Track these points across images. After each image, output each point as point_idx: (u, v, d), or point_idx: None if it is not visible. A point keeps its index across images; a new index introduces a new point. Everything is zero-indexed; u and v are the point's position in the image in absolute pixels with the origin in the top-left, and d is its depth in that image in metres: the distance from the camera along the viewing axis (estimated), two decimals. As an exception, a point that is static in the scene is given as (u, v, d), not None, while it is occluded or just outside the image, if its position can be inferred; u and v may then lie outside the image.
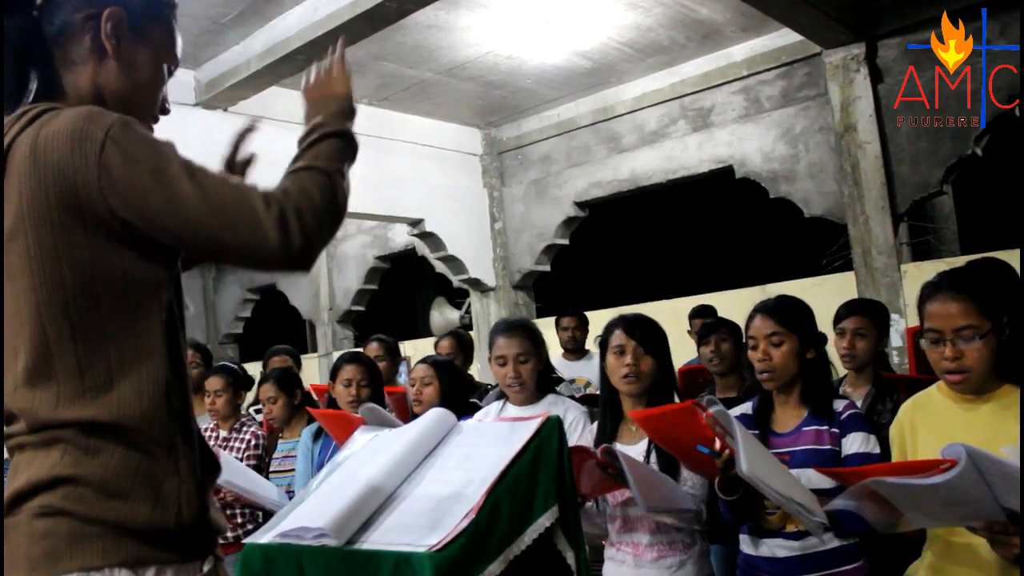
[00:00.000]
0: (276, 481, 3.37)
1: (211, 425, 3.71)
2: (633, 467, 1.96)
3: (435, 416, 1.87)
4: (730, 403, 2.20)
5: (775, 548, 2.05)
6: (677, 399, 2.34)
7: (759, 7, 4.87)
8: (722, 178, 6.38)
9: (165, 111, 1.37)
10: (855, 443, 2.01)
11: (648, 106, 6.61)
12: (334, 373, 3.30)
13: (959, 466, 1.37)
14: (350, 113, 1.36)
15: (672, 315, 4.61)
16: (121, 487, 1.10)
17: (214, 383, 3.67)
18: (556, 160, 7.30)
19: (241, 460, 3.47)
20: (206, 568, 1.18)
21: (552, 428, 1.67)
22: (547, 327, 3.69)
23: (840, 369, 2.84)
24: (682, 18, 5.48)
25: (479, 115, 7.29)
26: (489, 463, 1.61)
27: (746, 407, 2.25)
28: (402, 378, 5.22)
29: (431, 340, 7.88)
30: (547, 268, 7.56)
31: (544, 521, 1.57)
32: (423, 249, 7.65)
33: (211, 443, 3.59)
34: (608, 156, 6.93)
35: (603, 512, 2.31)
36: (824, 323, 2.34)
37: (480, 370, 6.52)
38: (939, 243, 5.68)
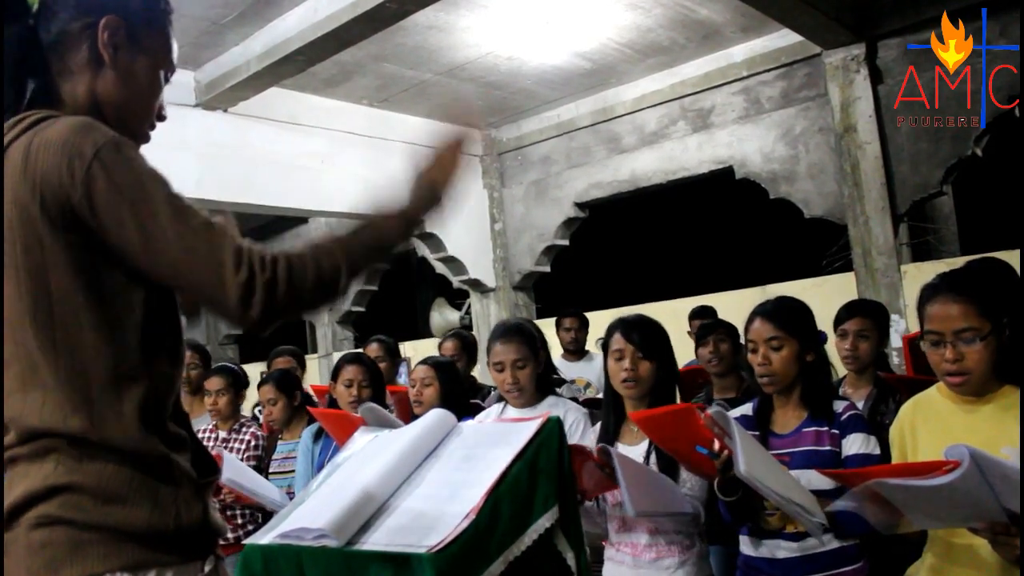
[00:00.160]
0: (275, 482, 3.36)
1: (210, 426, 3.70)
2: (627, 468, 1.96)
3: (435, 417, 1.87)
4: (728, 404, 2.20)
5: (775, 549, 2.05)
6: (679, 400, 2.35)
7: (759, 8, 4.87)
8: (722, 179, 6.38)
9: (162, 118, 1.35)
10: (855, 444, 2.01)
11: (648, 107, 6.61)
12: (335, 374, 3.30)
13: (962, 467, 1.37)
14: (430, 210, 1.34)
15: (672, 316, 4.61)
16: (118, 492, 1.10)
17: (215, 383, 3.66)
18: (556, 161, 7.30)
19: (241, 461, 3.46)
20: (207, 568, 1.18)
21: (552, 429, 1.67)
22: (547, 328, 3.69)
23: (840, 369, 2.83)
24: (682, 19, 5.48)
25: (479, 116, 7.29)
26: (489, 464, 1.61)
27: (746, 408, 2.25)
28: (402, 379, 5.22)
29: (431, 341, 7.89)
30: (547, 269, 7.56)
31: (544, 522, 1.56)
32: (423, 250, 7.65)
33: (210, 444, 3.59)
34: (608, 157, 6.93)
35: (603, 512, 2.31)
36: (824, 324, 2.34)
37: (482, 371, 6.52)
38: (939, 244, 5.68)
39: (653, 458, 2.22)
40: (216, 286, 1.10)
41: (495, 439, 1.70)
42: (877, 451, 2.00)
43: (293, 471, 3.41)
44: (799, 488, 1.89)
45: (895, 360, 4.83)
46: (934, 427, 1.79)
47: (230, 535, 3.36)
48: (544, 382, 2.65)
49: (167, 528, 1.12)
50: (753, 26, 5.64)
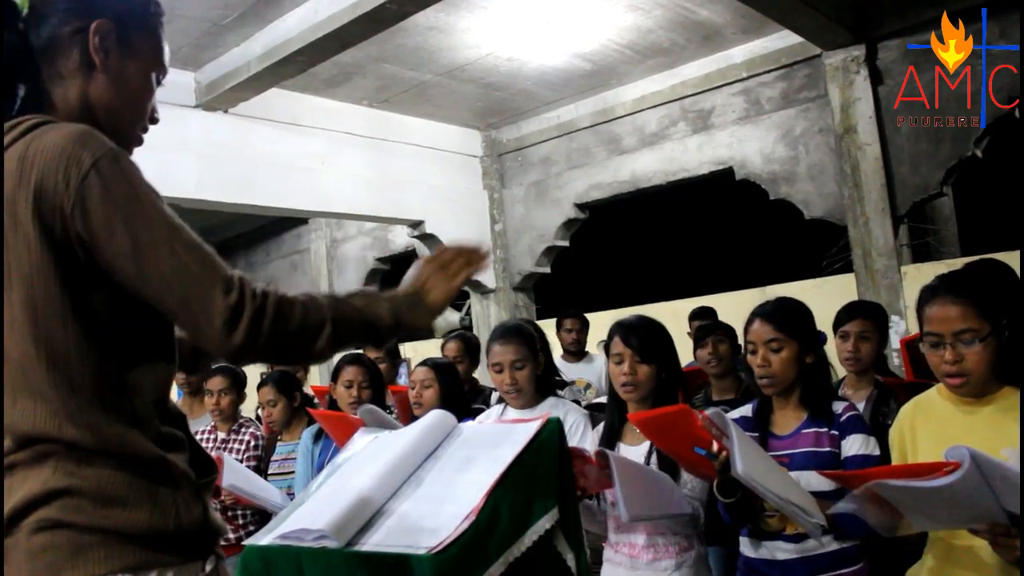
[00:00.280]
0: (274, 484, 3.36)
1: (208, 427, 3.70)
2: (625, 472, 1.95)
3: (435, 418, 1.87)
4: (727, 405, 2.20)
5: (775, 550, 2.05)
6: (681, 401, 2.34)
7: (759, 9, 4.88)
8: (722, 180, 6.38)
9: (154, 120, 1.35)
10: (855, 445, 2.01)
11: (648, 108, 6.61)
12: (335, 374, 3.30)
13: (963, 469, 1.37)
14: (427, 318, 1.34)
15: (672, 317, 4.61)
16: (118, 495, 1.10)
17: (218, 383, 3.66)
18: (556, 162, 7.30)
19: (241, 462, 3.47)
20: (208, 568, 1.18)
21: (553, 430, 1.67)
22: (548, 329, 3.69)
23: (839, 370, 2.83)
24: (682, 20, 5.49)
25: (479, 117, 7.30)
26: (489, 465, 1.61)
27: (745, 409, 2.25)
28: (402, 379, 5.22)
29: (432, 342, 7.89)
30: (547, 270, 7.56)
31: (544, 523, 1.56)
32: (423, 251, 7.65)
33: (209, 445, 3.59)
34: (608, 158, 6.93)
35: (603, 511, 2.31)
36: (824, 326, 2.34)
37: (484, 373, 6.53)
38: (939, 245, 5.68)
39: (654, 459, 2.22)
40: (203, 306, 1.09)
41: (495, 440, 1.70)
42: (877, 452, 2.00)
43: (292, 472, 3.41)
44: (798, 489, 1.89)
45: (895, 361, 4.83)
46: (934, 429, 1.79)
47: (231, 535, 3.36)
48: (544, 383, 2.65)
49: (167, 529, 1.12)
50: (753, 27, 5.64)
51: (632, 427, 2.31)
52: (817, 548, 1.99)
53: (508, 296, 7.62)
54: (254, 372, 4.29)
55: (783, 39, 5.73)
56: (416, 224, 7.09)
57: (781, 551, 2.04)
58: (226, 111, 5.80)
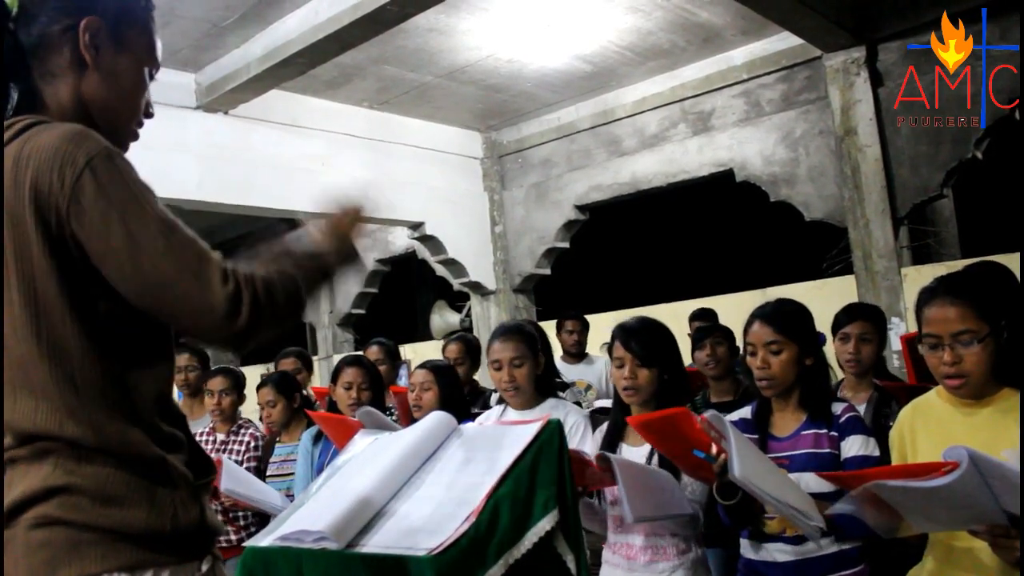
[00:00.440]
0: (272, 485, 3.36)
1: (207, 429, 3.69)
2: (628, 474, 1.95)
3: (436, 419, 1.87)
4: (725, 407, 2.19)
5: (775, 552, 2.05)
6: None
7: (759, 11, 4.88)
8: (722, 181, 6.38)
9: (149, 115, 1.35)
10: (854, 446, 2.01)
11: (648, 109, 6.62)
12: (335, 376, 3.30)
13: (961, 468, 1.37)
14: (349, 260, 1.34)
15: (672, 318, 4.58)
16: (116, 494, 1.10)
17: (219, 383, 3.66)
18: (556, 163, 7.31)
19: (241, 463, 3.46)
20: (204, 568, 1.18)
21: (553, 432, 1.67)
22: (548, 330, 3.69)
23: (837, 372, 2.82)
24: (682, 22, 5.49)
25: (479, 119, 7.30)
26: (490, 466, 1.61)
27: (745, 411, 2.24)
28: (402, 381, 5.22)
29: (431, 343, 7.90)
30: (547, 271, 7.57)
31: (544, 525, 1.56)
32: (424, 252, 7.66)
33: (209, 447, 3.58)
34: (608, 159, 6.94)
35: (603, 511, 2.31)
36: (825, 327, 2.34)
37: (484, 375, 6.54)
38: (940, 247, 5.68)
39: (655, 459, 2.21)
40: (204, 298, 1.10)
41: (495, 441, 1.70)
42: (876, 453, 2.00)
43: (291, 474, 3.40)
44: (796, 492, 1.88)
45: (895, 363, 4.83)
46: (933, 430, 1.79)
47: (233, 537, 3.36)
48: (545, 384, 2.65)
49: (164, 529, 1.12)
50: (753, 29, 5.65)
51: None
52: (817, 550, 1.99)
53: (508, 298, 7.63)
54: (254, 373, 4.29)
55: (783, 41, 5.74)
56: (416, 226, 7.09)
57: (781, 553, 2.04)
58: (226, 112, 5.80)
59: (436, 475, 1.68)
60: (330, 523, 1.51)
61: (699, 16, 5.42)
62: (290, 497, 3.22)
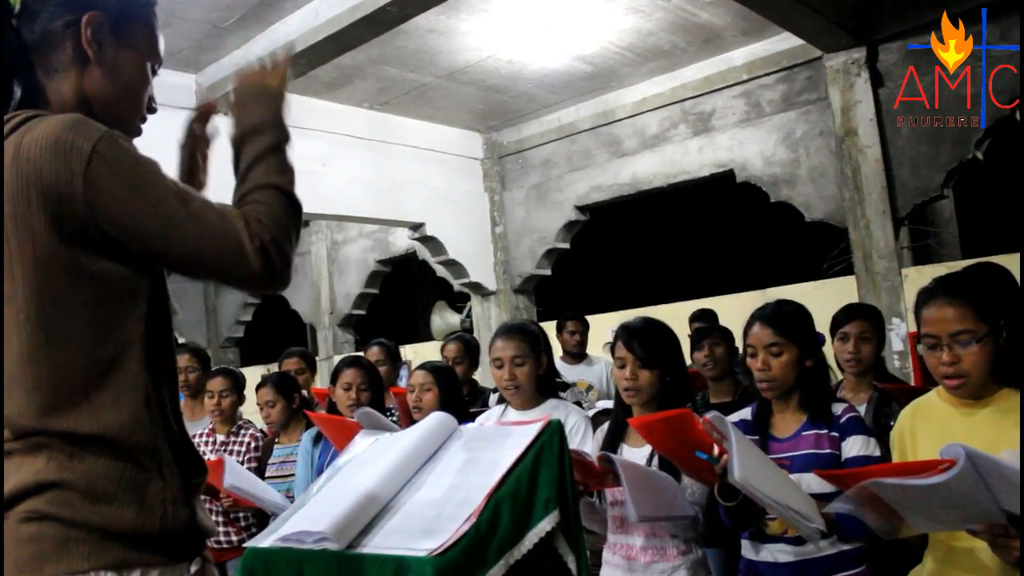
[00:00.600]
0: (273, 486, 3.36)
1: (207, 429, 3.69)
2: (631, 474, 1.95)
3: (436, 420, 1.87)
4: (725, 407, 2.19)
5: (776, 553, 2.05)
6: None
7: (760, 11, 4.88)
8: (723, 182, 6.38)
9: (152, 110, 1.36)
10: (855, 446, 2.01)
11: (649, 110, 6.62)
12: (335, 377, 3.30)
13: (957, 466, 1.37)
14: (285, 112, 1.39)
15: (673, 319, 4.57)
16: (106, 491, 1.11)
17: (219, 383, 3.66)
18: (557, 164, 7.31)
19: (241, 464, 3.46)
20: (193, 569, 1.19)
21: (553, 432, 1.67)
22: (548, 330, 3.69)
23: (837, 372, 2.82)
24: (683, 22, 5.49)
25: (480, 119, 7.30)
26: (490, 467, 1.61)
27: (745, 412, 2.24)
28: (403, 382, 5.22)
29: (432, 344, 7.89)
30: (548, 272, 7.56)
31: (545, 525, 1.56)
32: (424, 253, 7.66)
33: (208, 448, 3.58)
34: (609, 160, 6.94)
35: (603, 511, 2.32)
36: (825, 328, 2.34)
37: (484, 375, 6.53)
38: (940, 247, 5.68)
39: (656, 460, 2.21)
40: (237, 257, 1.15)
41: (496, 442, 1.70)
42: (877, 453, 2.00)
43: (291, 475, 3.40)
44: (797, 494, 1.88)
45: (895, 363, 4.83)
46: (933, 431, 1.79)
47: (234, 537, 3.36)
48: (546, 385, 2.65)
49: (152, 529, 1.13)
50: (754, 30, 5.64)
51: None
52: (818, 551, 1.99)
53: (509, 298, 7.63)
54: (254, 373, 4.29)
55: (784, 41, 5.74)
56: (417, 226, 7.09)
57: (783, 553, 2.04)
58: (226, 113, 5.79)
59: (437, 476, 1.68)
60: (331, 524, 1.51)
61: (699, 17, 5.42)
62: (290, 498, 3.22)
